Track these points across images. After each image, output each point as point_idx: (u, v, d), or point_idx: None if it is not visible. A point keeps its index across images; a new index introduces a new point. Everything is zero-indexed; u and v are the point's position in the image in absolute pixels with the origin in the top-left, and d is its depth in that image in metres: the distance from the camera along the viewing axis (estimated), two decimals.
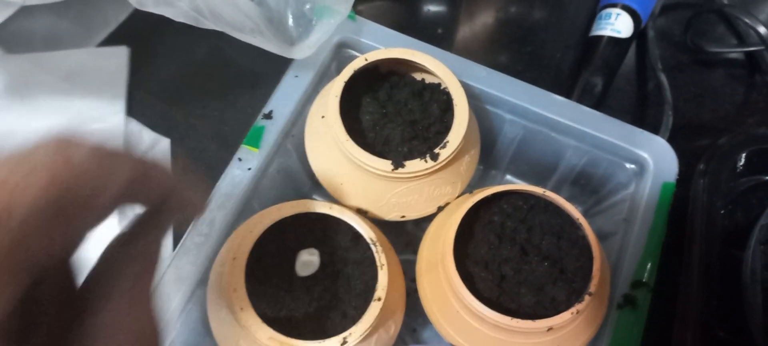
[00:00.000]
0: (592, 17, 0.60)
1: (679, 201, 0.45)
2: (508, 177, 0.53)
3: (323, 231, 0.40)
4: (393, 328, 0.39)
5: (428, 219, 0.44)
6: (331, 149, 0.42)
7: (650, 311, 0.40)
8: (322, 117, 0.43)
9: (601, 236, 0.45)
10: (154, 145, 0.53)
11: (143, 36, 0.58)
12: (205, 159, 0.53)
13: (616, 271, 0.41)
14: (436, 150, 0.40)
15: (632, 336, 0.39)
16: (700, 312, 0.42)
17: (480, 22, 0.63)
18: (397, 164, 0.39)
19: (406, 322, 0.41)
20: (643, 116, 0.56)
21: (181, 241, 0.40)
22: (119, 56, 0.56)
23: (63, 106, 0.53)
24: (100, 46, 0.57)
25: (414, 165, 0.40)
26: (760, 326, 0.43)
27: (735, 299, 0.45)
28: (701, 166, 0.47)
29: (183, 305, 0.39)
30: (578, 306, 0.36)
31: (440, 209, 0.43)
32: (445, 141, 0.41)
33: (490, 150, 0.51)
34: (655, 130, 0.47)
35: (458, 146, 0.40)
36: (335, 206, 0.39)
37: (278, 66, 0.54)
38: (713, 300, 0.44)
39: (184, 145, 0.53)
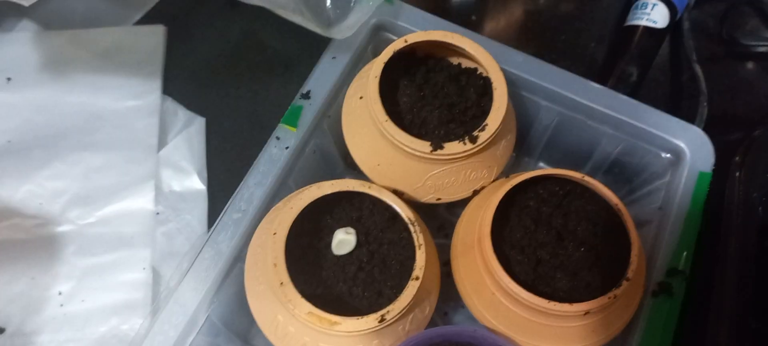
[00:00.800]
0: (626, 7, 0.60)
1: (713, 193, 0.44)
2: (541, 164, 0.53)
3: (360, 210, 0.40)
4: (428, 309, 0.39)
5: (461, 204, 0.45)
6: (368, 130, 0.42)
7: (685, 299, 0.40)
8: (361, 98, 0.43)
9: (636, 225, 0.44)
10: (189, 123, 0.53)
11: (180, 16, 0.58)
12: (239, 139, 0.53)
13: (652, 259, 0.41)
14: (475, 133, 0.40)
15: (667, 324, 0.39)
16: (735, 303, 0.41)
17: (513, 10, 0.62)
18: (436, 146, 0.40)
19: (438, 305, 0.41)
20: (677, 107, 0.55)
21: (219, 217, 0.41)
22: (156, 35, 0.56)
23: (99, 83, 0.54)
24: (137, 25, 0.57)
25: (452, 147, 0.40)
26: None
27: None
28: (737, 158, 0.47)
29: (220, 280, 0.40)
30: (616, 291, 0.36)
31: (476, 192, 0.44)
32: (483, 124, 0.41)
33: (524, 137, 0.51)
34: (689, 121, 0.47)
35: (497, 130, 0.41)
36: (374, 186, 0.40)
37: (311, 49, 0.54)
38: (748, 291, 0.43)
39: (219, 124, 0.54)
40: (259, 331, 0.38)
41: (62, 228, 0.48)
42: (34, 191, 0.49)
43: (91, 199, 0.49)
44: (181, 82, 0.55)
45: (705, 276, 0.43)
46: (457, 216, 0.44)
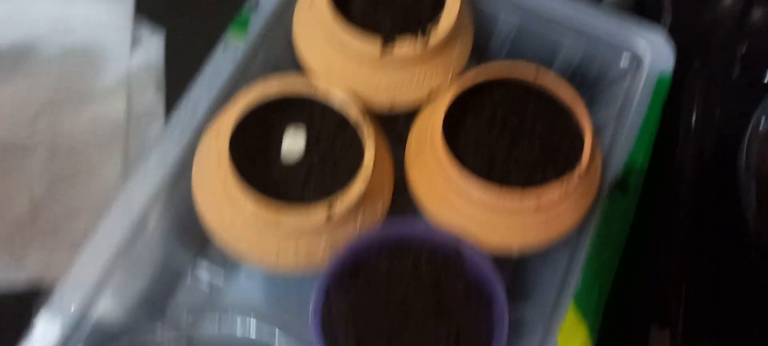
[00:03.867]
0: None
1: (674, 100, 0.44)
2: None
3: (310, 117, 0.39)
4: (380, 207, 0.39)
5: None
6: (319, 35, 0.41)
7: (642, 199, 0.40)
8: (312, 4, 0.42)
9: (595, 130, 0.44)
10: (151, 35, 0.52)
11: None
12: (195, 51, 0.52)
13: (608, 159, 0.41)
14: (427, 33, 0.39)
15: (622, 219, 0.39)
16: (692, 203, 0.41)
17: None
18: (387, 43, 0.39)
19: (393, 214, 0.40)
20: (641, 12, 0.54)
21: (167, 123, 0.40)
22: None
23: None
24: None
25: (403, 46, 0.39)
26: (753, 220, 0.43)
27: (730, 199, 0.44)
28: (697, 64, 0.47)
29: (170, 187, 0.39)
30: (567, 183, 0.36)
31: (430, 98, 0.43)
32: (437, 24, 0.40)
33: (483, 50, 0.50)
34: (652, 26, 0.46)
35: (450, 28, 0.39)
36: (322, 86, 0.38)
37: None
38: (706, 197, 0.43)
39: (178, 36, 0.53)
40: (211, 242, 0.38)
41: (34, 134, 0.48)
42: (2, 99, 0.49)
43: (61, 108, 0.49)
44: None
45: (663, 180, 0.43)
46: None
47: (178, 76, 0.51)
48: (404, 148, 0.48)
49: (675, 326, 0.40)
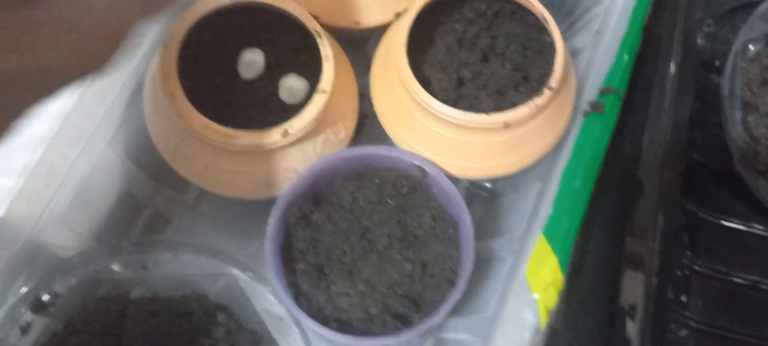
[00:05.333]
0: None
1: (652, 19, 0.42)
2: None
3: (270, 31, 0.37)
4: (343, 133, 0.37)
5: None
6: None
7: (620, 122, 0.38)
8: None
9: (572, 53, 0.42)
10: None
11: None
12: None
13: (584, 81, 0.39)
14: None
15: (598, 141, 0.37)
16: (673, 126, 0.39)
17: None
18: None
19: (361, 143, 0.38)
20: None
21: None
22: None
23: None
24: None
25: None
26: (738, 143, 0.41)
27: (713, 122, 0.43)
28: None
29: (122, 109, 0.37)
30: (537, 100, 0.34)
31: (397, 16, 0.40)
32: None
33: None
34: None
35: None
36: None
37: None
38: (687, 119, 0.41)
39: None
40: (169, 165, 0.35)
41: None
42: None
43: None
44: None
45: (644, 100, 0.41)
46: None
47: None
48: None
49: (649, 268, 0.38)
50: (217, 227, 0.39)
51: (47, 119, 0.43)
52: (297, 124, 0.33)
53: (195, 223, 0.40)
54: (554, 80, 0.34)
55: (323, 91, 0.34)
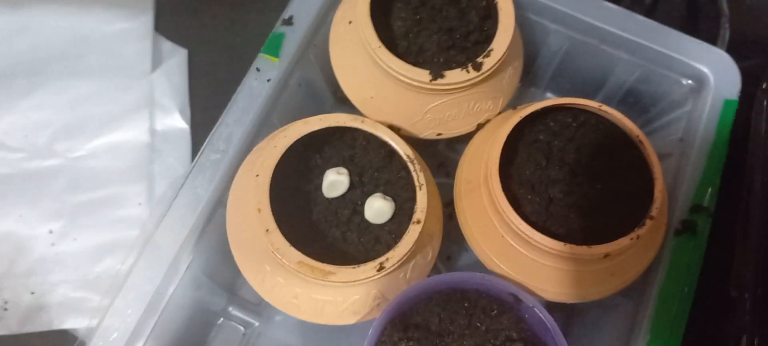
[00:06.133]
0: None
1: (737, 123, 0.41)
2: (549, 95, 0.49)
3: (352, 149, 0.36)
4: (430, 254, 0.36)
5: (464, 140, 0.41)
6: (359, 59, 0.38)
7: (710, 237, 0.37)
8: (350, 23, 0.38)
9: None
10: (170, 55, 0.48)
11: None
12: (217, 73, 0.49)
13: (673, 195, 0.38)
14: (479, 59, 0.36)
15: (691, 264, 0.36)
16: (763, 239, 0.38)
17: None
18: (436, 74, 0.35)
19: (440, 249, 0.37)
20: (695, 30, 0.51)
21: (196, 158, 0.37)
22: None
23: (86, 2, 0.48)
24: None
25: (454, 75, 0.36)
26: None
27: None
28: (764, 85, 0.43)
29: (201, 227, 0.36)
30: (639, 231, 0.33)
31: (480, 126, 0.40)
32: (488, 49, 0.36)
33: (530, 65, 0.46)
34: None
35: (503, 56, 0.36)
36: (367, 120, 0.35)
37: None
38: None
39: (194, 57, 0.49)
40: (246, 282, 0.35)
41: (50, 162, 0.45)
42: (17, 122, 0.45)
43: (80, 130, 0.46)
44: (158, 11, 0.50)
45: (731, 212, 0.39)
46: (459, 153, 0.41)
47: (201, 98, 0.48)
48: (445, 173, 0.45)
49: None
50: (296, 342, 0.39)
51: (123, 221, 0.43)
52: (393, 258, 0.32)
53: (274, 337, 0.39)
54: (655, 209, 0.33)
55: (418, 221, 0.33)
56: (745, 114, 0.42)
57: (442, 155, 0.46)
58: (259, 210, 0.32)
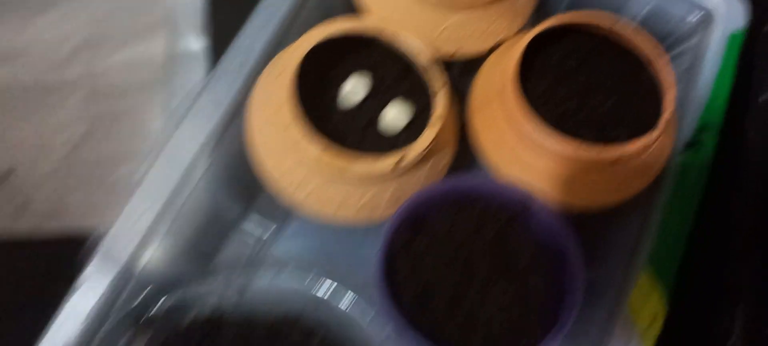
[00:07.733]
0: None
1: (745, 61, 0.42)
2: None
3: (371, 58, 0.37)
4: (443, 162, 0.37)
5: (475, 68, 0.41)
6: None
7: (715, 157, 0.38)
8: None
9: None
10: None
11: None
12: None
13: (680, 115, 0.39)
14: None
15: (697, 178, 0.37)
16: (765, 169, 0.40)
17: None
18: None
19: (451, 169, 0.38)
20: None
21: (217, 64, 0.38)
22: None
23: None
24: None
25: None
26: None
27: None
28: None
29: (220, 133, 0.37)
30: (652, 133, 0.34)
31: (494, 47, 0.40)
32: None
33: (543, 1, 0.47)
34: None
35: None
36: (388, 29, 0.36)
37: None
38: None
39: None
40: (261, 192, 0.36)
41: (70, 74, 0.46)
42: (36, 36, 0.46)
43: (99, 46, 0.47)
44: None
45: (736, 141, 0.41)
46: (469, 84, 0.41)
47: (220, 18, 0.48)
48: (460, 99, 0.46)
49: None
50: (311, 250, 0.40)
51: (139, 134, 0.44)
52: (411, 154, 0.33)
53: (289, 247, 0.40)
54: (664, 119, 0.34)
55: (439, 117, 0.34)
56: (751, 51, 0.43)
57: (454, 80, 0.46)
58: (281, 106, 0.33)
